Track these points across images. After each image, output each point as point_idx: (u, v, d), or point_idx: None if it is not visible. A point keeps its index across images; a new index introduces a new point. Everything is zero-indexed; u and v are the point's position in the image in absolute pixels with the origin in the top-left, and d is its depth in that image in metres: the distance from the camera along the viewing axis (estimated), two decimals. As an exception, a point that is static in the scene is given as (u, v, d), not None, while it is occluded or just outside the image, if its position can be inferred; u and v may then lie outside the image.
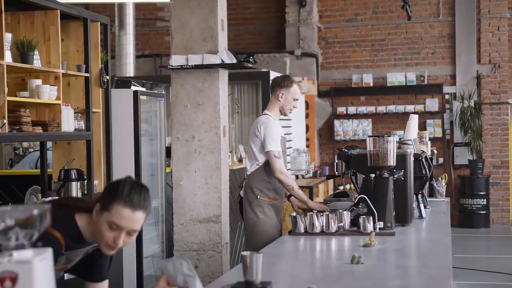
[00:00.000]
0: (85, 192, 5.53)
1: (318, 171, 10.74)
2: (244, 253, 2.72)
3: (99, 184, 5.78)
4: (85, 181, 5.50)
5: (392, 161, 4.37)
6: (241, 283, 2.74)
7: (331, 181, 10.92)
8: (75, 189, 5.34)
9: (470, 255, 9.81)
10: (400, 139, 5.32)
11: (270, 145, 5.07)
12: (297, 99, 5.30)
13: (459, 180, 12.36)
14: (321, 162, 12.86)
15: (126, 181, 2.58)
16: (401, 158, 4.52)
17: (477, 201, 12.10)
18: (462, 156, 12.44)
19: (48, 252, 1.79)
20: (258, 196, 5.17)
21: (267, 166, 5.13)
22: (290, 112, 5.36)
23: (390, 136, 4.40)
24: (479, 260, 9.49)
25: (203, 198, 5.69)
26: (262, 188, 5.18)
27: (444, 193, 6.37)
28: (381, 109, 12.63)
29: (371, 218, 4.18)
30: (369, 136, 4.44)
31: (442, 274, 3.02)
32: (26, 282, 1.71)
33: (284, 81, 5.27)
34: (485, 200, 12.12)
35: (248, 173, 5.27)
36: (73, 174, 5.34)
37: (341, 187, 12.09)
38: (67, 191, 5.31)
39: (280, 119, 5.38)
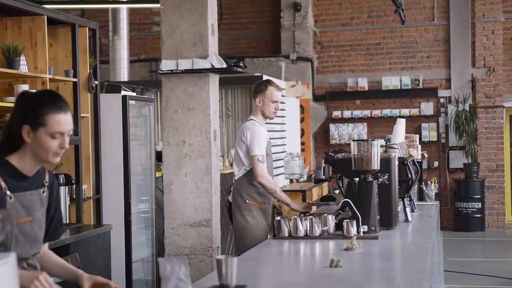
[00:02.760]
0: (74, 197, 5.54)
1: (313, 175, 10.75)
2: (219, 257, 2.74)
3: (87, 189, 5.80)
4: (73, 185, 5.51)
5: (376, 165, 4.38)
6: (216, 287, 2.76)
7: (325, 185, 10.93)
8: (63, 194, 5.35)
9: (465, 258, 9.82)
10: (386, 143, 5.33)
11: (255, 149, 5.16)
12: (275, 101, 5.35)
13: (454, 184, 12.36)
14: (317, 166, 12.87)
15: (39, 94, 2.71)
16: (386, 162, 4.53)
17: (472, 204, 12.10)
18: (457, 160, 12.45)
19: (12, 257, 1.81)
20: (247, 201, 5.25)
21: None
22: (275, 114, 5.41)
23: (374, 140, 4.41)
24: (474, 263, 9.49)
25: (193, 202, 5.71)
26: (251, 192, 5.26)
27: (434, 197, 6.37)
28: (376, 113, 12.65)
29: (354, 222, 4.19)
30: (353, 140, 4.45)
31: (416, 277, 3.04)
32: (-13, 286, 1.73)
33: (259, 86, 5.38)
34: (480, 203, 12.13)
35: (236, 178, 5.35)
36: (61, 178, 5.35)
37: (337, 191, 12.10)
38: (55, 196, 5.32)
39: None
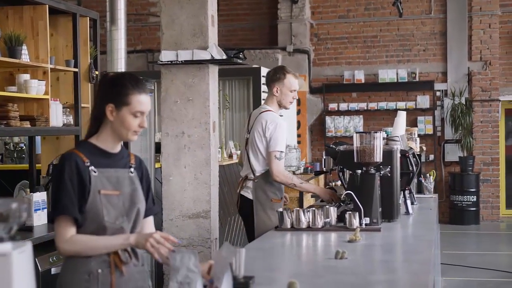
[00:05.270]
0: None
1: (309, 167, 10.76)
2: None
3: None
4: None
5: (378, 157, 4.38)
6: (224, 278, 2.76)
7: (322, 177, 10.96)
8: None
9: (460, 251, 9.86)
10: (387, 135, 5.34)
11: (275, 145, 4.89)
12: (294, 90, 5.06)
13: (450, 177, 12.40)
14: (313, 158, 12.89)
15: (124, 75, 2.91)
16: (388, 155, 4.53)
17: (467, 197, 12.15)
18: (453, 153, 12.49)
19: (28, 246, 1.80)
20: (272, 199, 5.02)
21: None
22: (291, 104, 5.17)
23: (376, 132, 4.41)
24: (469, 256, 9.54)
25: (192, 193, 5.71)
26: (275, 190, 5.04)
27: (432, 190, 6.40)
28: (373, 105, 12.67)
29: (357, 214, 4.20)
30: (356, 132, 4.45)
31: (422, 269, 3.05)
32: (4, 274, 1.72)
33: (276, 74, 5.08)
34: (475, 197, 12.18)
35: (256, 174, 5.04)
36: (62, 169, 5.33)
37: (332, 183, 12.12)
38: (56, 186, 5.30)
39: None
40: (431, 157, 12.45)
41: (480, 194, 12.30)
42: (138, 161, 3.00)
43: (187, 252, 2.63)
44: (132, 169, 2.93)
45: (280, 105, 5.12)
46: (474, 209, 12.19)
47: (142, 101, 2.82)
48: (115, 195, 2.83)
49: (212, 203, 5.79)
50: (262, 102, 9.43)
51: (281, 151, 4.93)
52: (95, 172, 2.80)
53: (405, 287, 2.78)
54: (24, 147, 8.92)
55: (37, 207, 4.82)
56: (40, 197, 4.93)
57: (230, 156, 8.02)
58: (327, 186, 5.96)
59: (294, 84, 5.09)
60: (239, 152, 8.22)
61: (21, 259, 1.76)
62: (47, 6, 5.15)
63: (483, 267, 8.60)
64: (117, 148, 2.91)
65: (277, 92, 5.06)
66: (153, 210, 3.05)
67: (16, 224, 1.79)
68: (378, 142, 4.39)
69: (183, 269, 2.60)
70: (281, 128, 4.96)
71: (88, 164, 2.79)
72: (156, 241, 2.71)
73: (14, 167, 6.86)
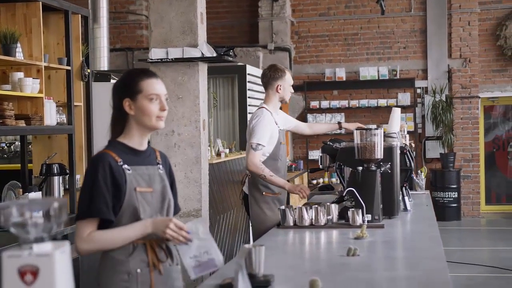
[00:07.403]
0: (67, 187, 5.46)
1: (293, 165, 10.78)
2: (247, 246, 2.71)
3: (81, 179, 5.71)
4: (67, 175, 5.43)
5: (379, 153, 4.38)
6: (243, 276, 2.74)
7: (305, 175, 10.97)
8: (57, 184, 5.27)
9: (443, 247, 9.91)
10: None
11: (252, 137, 5.01)
12: (292, 84, 5.33)
13: (431, 174, 12.48)
14: (294, 156, 12.90)
15: (128, 71, 2.91)
16: (388, 151, 4.53)
17: (448, 194, 12.24)
18: (434, 150, 12.58)
19: (66, 246, 1.77)
20: (264, 193, 5.11)
21: (269, 161, 5.06)
22: (289, 96, 5.37)
23: (377, 129, 4.41)
24: (452, 252, 9.59)
25: (183, 192, 5.68)
26: (267, 183, 5.09)
27: (424, 186, 6.43)
28: (354, 103, 12.70)
29: (360, 211, 4.20)
30: (356, 129, 4.45)
31: (438, 265, 3.05)
32: (47, 275, 1.69)
33: (278, 73, 5.22)
34: (456, 193, 12.27)
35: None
36: (55, 168, 5.27)
37: (314, 181, 12.15)
38: (49, 186, 5.24)
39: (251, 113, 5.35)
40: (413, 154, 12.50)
41: (461, 191, 12.40)
42: (163, 158, 2.98)
43: (193, 224, 2.63)
44: (160, 166, 2.90)
45: (282, 101, 5.28)
46: (455, 205, 12.29)
47: (153, 84, 2.81)
48: (148, 192, 2.81)
49: (203, 201, 5.77)
50: (248, 99, 9.50)
51: (258, 143, 5.00)
52: (129, 170, 2.77)
53: (428, 284, 2.77)
54: (6, 147, 8.81)
55: (32, 207, 4.73)
56: (35, 197, 4.86)
57: (218, 155, 7.98)
58: (322, 184, 5.96)
59: (291, 78, 5.36)
60: (227, 150, 8.19)
61: (62, 258, 1.73)
62: (41, 3, 5.06)
63: (466, 262, 8.67)
64: (144, 145, 2.88)
65: (279, 89, 5.21)
66: (178, 207, 3.02)
67: (57, 224, 1.75)
68: (379, 138, 4.39)
69: (194, 241, 2.59)
70: (263, 121, 5.05)
71: (121, 163, 2.77)
72: (173, 230, 2.67)
73: (4, 167, 6.75)
